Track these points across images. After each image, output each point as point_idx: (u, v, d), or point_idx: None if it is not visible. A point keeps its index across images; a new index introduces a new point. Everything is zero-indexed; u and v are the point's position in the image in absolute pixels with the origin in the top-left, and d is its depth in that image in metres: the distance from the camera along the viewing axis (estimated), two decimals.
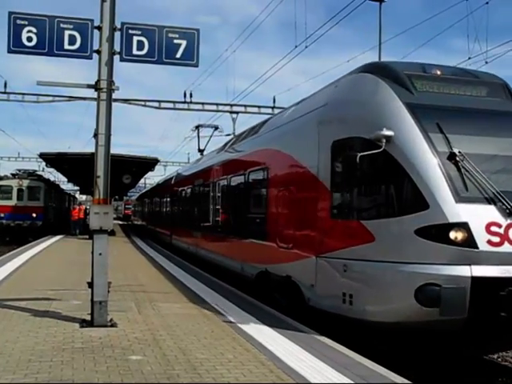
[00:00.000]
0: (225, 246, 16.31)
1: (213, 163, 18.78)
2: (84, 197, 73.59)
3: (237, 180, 15.25)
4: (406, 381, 6.48)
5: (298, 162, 10.57)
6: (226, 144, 19.07)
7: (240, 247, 14.42)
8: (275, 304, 11.09)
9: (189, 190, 23.62)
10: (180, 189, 26.31)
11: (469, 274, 7.46)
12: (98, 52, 8.79)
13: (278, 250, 11.17)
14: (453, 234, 7.59)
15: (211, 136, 31.56)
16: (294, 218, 10.55)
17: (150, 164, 33.26)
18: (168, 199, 31.62)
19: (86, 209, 37.48)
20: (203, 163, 21.68)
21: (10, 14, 8.55)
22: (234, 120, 29.24)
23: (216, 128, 30.95)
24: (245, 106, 29.32)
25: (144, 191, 60.86)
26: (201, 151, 31.82)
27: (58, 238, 32.73)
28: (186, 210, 24.35)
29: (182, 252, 23.73)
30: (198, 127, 32.19)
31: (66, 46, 8.68)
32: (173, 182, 29.63)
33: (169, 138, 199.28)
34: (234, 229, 15.34)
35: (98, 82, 8.81)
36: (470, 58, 18.53)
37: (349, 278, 8.60)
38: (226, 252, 16.08)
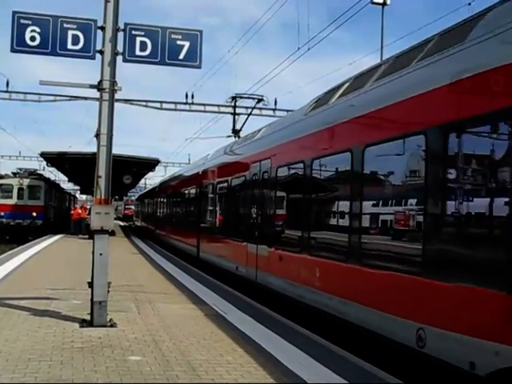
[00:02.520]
0: (354, 282, 8.50)
1: (305, 130, 11.09)
2: (84, 196, 73.64)
3: (382, 152, 7.99)
4: (398, 381, 6.52)
5: None
6: (319, 100, 11.46)
7: (412, 295, 6.98)
8: None
9: (239, 181, 15.44)
10: (217, 180, 18.39)
11: None
12: (101, 52, 8.81)
13: None
14: None
15: (252, 111, 23.81)
16: None
17: (150, 164, 33.30)
18: (192, 196, 23.46)
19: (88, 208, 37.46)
20: (274, 135, 13.51)
21: (14, 13, 8.60)
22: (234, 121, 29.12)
23: (259, 100, 22.53)
24: (246, 107, 29.28)
25: (151, 188, 51.71)
26: (236, 132, 23.54)
27: (57, 237, 32.74)
28: (236, 211, 16.01)
29: (219, 271, 16.76)
30: (234, 98, 23.57)
31: (70, 46, 8.72)
32: (201, 172, 21.52)
33: (170, 138, 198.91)
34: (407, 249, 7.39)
35: (100, 82, 8.83)
36: None
37: None
38: (353, 294, 8.47)
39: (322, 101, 11.17)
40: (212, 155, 21.41)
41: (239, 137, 22.01)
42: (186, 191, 25.20)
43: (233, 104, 23.78)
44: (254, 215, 13.74)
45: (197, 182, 22.05)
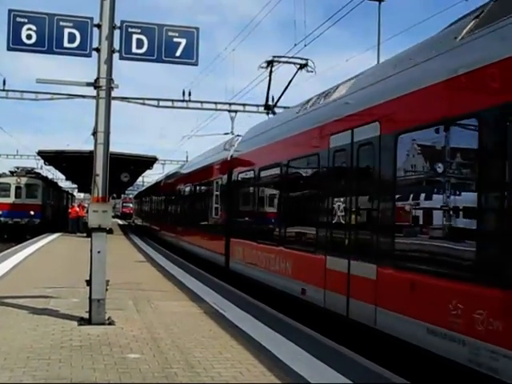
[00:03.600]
0: None
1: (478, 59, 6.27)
2: (82, 195, 73.52)
3: None
4: (404, 381, 6.50)
5: None
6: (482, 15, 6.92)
7: None
8: None
9: (305, 163, 10.92)
10: (261, 166, 13.41)
11: None
12: (98, 50, 8.80)
13: None
14: None
15: (293, 78, 17.62)
16: None
17: (148, 162, 33.23)
18: (216, 190, 18.49)
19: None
20: (385, 84, 8.39)
21: (10, 11, 8.58)
22: (232, 119, 29.10)
23: (302, 66, 17.25)
24: (243, 104, 29.19)
25: (154, 182, 46.33)
26: (270, 108, 18.53)
27: (55, 235, 32.72)
28: (301, 208, 11.42)
29: (262, 288, 12.49)
30: (270, 63, 17.79)
31: (66, 44, 8.71)
32: (231, 158, 16.71)
33: (167, 136, 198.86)
34: None
35: (97, 80, 8.82)
36: None
37: None
38: None
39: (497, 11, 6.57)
40: (246, 136, 16.66)
41: (274, 113, 17.45)
42: (206, 184, 20.33)
43: (268, 70, 18.28)
44: (340, 213, 9.06)
45: (223, 171, 17.22)
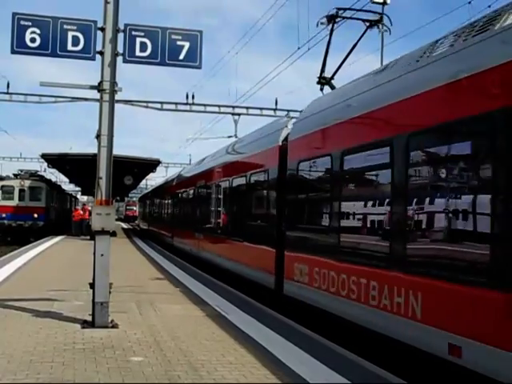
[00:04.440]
0: None
1: None
2: (85, 197, 73.67)
3: None
4: (402, 381, 6.52)
5: None
6: None
7: None
8: None
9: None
10: (353, 146, 8.87)
11: None
12: (101, 53, 8.83)
13: None
14: None
15: (361, 36, 13.22)
16: None
17: (151, 165, 33.31)
18: (260, 187, 14.14)
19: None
20: None
21: (14, 14, 8.62)
22: (235, 122, 29.14)
23: (374, 23, 13.43)
24: (247, 108, 29.25)
25: (163, 182, 41.29)
26: (326, 82, 13.40)
27: (59, 238, 32.76)
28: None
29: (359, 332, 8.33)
30: (333, 18, 13.40)
31: (70, 47, 8.74)
32: (284, 142, 12.45)
33: (170, 139, 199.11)
34: None
35: (100, 83, 8.84)
36: None
37: None
38: None
39: None
40: (308, 111, 11.97)
41: (332, 87, 13.20)
42: (240, 180, 15.66)
43: (329, 28, 13.67)
44: None
45: (271, 161, 12.97)
